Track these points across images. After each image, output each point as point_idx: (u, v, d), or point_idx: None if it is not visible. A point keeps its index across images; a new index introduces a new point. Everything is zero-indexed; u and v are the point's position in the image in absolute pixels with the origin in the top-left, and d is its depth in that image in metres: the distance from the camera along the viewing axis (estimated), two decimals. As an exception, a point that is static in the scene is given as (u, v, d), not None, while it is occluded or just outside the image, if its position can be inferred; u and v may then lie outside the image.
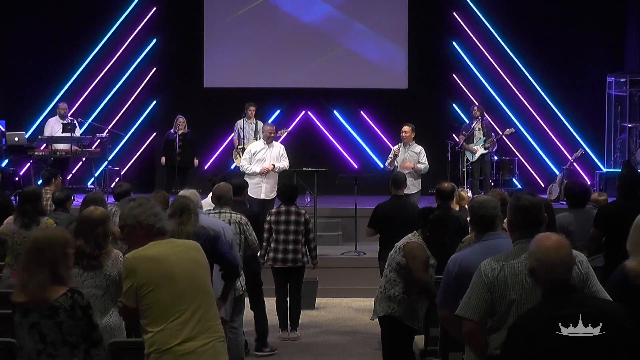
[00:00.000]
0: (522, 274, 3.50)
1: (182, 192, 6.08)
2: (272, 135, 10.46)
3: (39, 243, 3.66)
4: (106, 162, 13.32)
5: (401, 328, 5.56)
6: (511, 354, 3.11)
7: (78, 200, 11.57)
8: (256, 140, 11.82)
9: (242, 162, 10.56)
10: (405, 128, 10.35)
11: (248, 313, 7.56)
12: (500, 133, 13.20)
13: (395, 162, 10.27)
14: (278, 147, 10.49)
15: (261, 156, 10.34)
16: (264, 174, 10.16)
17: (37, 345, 3.52)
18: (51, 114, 13.69)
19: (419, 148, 10.36)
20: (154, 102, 15.08)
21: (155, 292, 3.58)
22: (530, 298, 3.46)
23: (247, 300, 7.51)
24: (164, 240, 3.72)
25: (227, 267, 5.25)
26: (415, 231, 5.69)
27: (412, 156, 10.29)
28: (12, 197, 9.70)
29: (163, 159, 12.69)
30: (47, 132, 12.79)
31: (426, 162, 10.29)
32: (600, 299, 3.25)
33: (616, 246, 5.74)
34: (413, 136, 10.36)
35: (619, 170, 13.33)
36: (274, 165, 10.28)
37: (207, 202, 7.35)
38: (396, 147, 10.45)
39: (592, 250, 6.15)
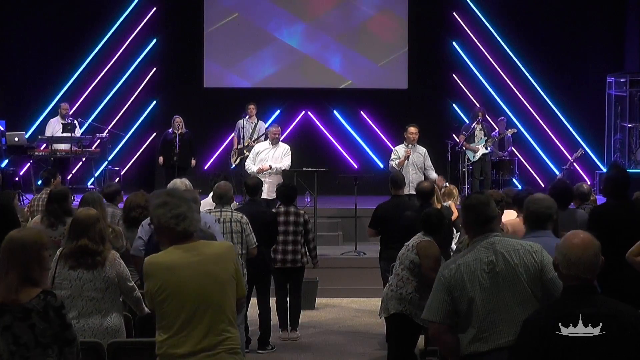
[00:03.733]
0: (478, 270, 3.50)
1: (172, 182, 6.12)
2: (277, 136, 10.58)
3: (12, 243, 3.56)
4: (106, 162, 13.32)
5: (410, 326, 5.60)
6: (523, 348, 3.11)
7: (78, 200, 11.62)
8: (251, 139, 11.92)
9: (247, 162, 10.79)
10: (413, 129, 10.26)
11: (253, 312, 7.59)
12: (505, 133, 13.23)
13: (404, 163, 10.18)
14: (282, 148, 10.61)
15: (264, 156, 10.52)
16: (259, 173, 10.26)
17: (10, 347, 3.49)
18: (51, 114, 13.69)
19: (423, 149, 10.32)
20: (154, 102, 15.08)
21: (165, 301, 3.51)
22: (490, 294, 3.46)
23: (252, 299, 7.56)
24: (185, 245, 3.55)
25: None
26: (422, 232, 5.72)
27: (417, 157, 10.26)
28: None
29: (161, 159, 12.68)
30: (49, 132, 12.77)
31: (431, 165, 10.29)
32: (620, 302, 3.20)
33: (609, 246, 5.73)
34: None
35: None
36: (270, 166, 10.34)
37: (207, 202, 7.36)
38: (403, 147, 10.29)
39: None
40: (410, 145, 10.25)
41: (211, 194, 7.09)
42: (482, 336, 3.46)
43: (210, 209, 6.75)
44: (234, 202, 7.20)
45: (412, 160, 10.20)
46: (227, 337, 3.61)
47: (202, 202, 7.67)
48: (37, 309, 3.49)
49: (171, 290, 3.50)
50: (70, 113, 13.40)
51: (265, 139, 11.07)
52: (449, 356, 3.68)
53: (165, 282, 3.51)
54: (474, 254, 3.57)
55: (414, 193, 9.75)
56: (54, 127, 12.84)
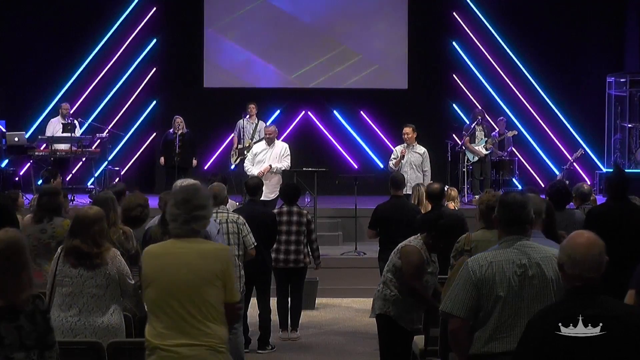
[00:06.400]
0: (509, 271, 3.50)
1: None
2: (270, 136, 10.50)
3: (15, 245, 3.51)
4: (106, 162, 13.31)
5: (396, 327, 5.57)
6: (525, 349, 3.10)
7: (78, 200, 11.64)
8: (252, 140, 11.90)
9: (245, 162, 10.70)
10: (406, 129, 10.30)
11: (253, 312, 7.60)
12: (505, 134, 13.22)
13: (401, 163, 10.21)
14: (280, 147, 10.51)
15: (261, 157, 10.41)
16: (261, 176, 10.16)
17: None
18: (52, 114, 13.68)
19: (422, 149, 10.33)
20: (154, 102, 15.08)
21: (148, 288, 3.60)
22: (516, 298, 3.48)
23: (252, 299, 7.57)
24: (181, 239, 3.63)
25: None
26: (419, 234, 5.66)
27: (416, 157, 10.26)
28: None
29: (162, 159, 12.70)
30: (49, 132, 12.74)
31: (429, 167, 10.28)
32: (627, 304, 3.18)
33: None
34: (415, 136, 10.34)
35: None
36: (270, 166, 10.30)
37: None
38: (400, 147, 10.36)
39: None
40: (407, 145, 10.27)
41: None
42: (499, 336, 3.47)
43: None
44: (234, 202, 7.18)
45: (409, 159, 10.20)
46: (206, 332, 3.59)
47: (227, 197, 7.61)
48: (26, 311, 3.50)
49: (154, 274, 3.59)
50: (71, 113, 13.39)
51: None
52: (459, 355, 3.66)
53: (149, 268, 3.61)
54: (505, 254, 3.56)
55: (411, 193, 9.79)
56: (55, 127, 12.83)
